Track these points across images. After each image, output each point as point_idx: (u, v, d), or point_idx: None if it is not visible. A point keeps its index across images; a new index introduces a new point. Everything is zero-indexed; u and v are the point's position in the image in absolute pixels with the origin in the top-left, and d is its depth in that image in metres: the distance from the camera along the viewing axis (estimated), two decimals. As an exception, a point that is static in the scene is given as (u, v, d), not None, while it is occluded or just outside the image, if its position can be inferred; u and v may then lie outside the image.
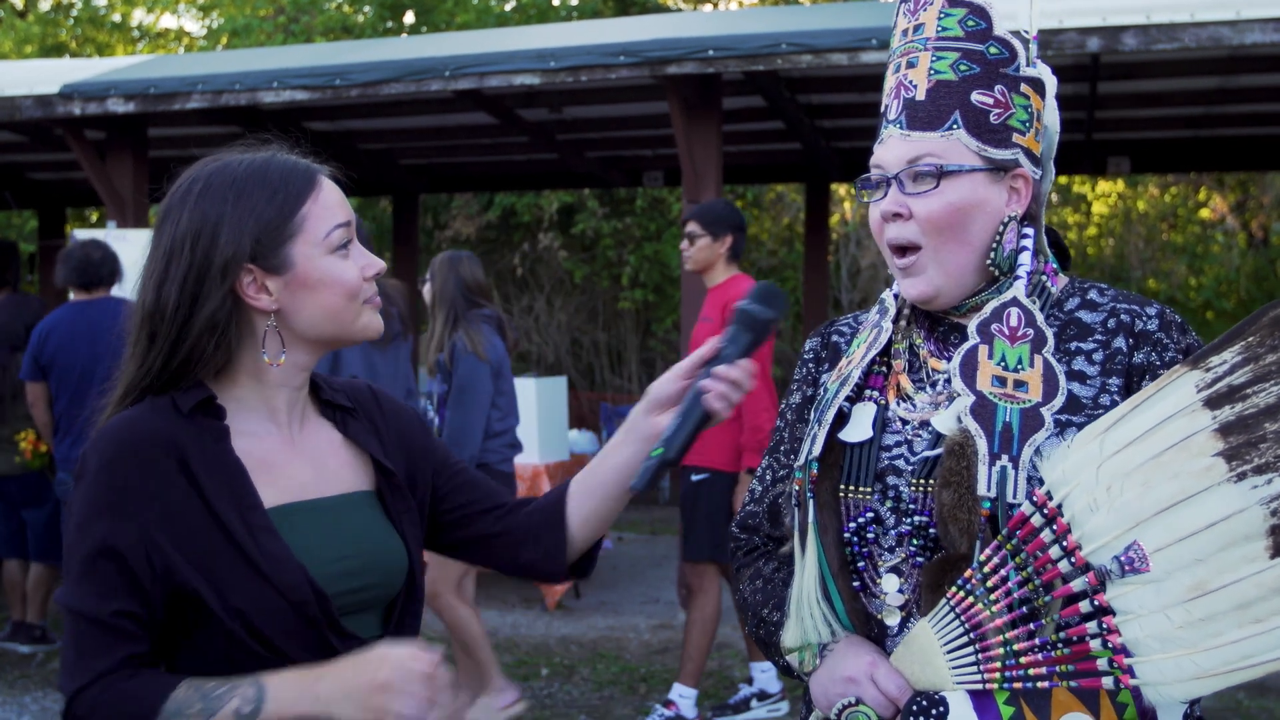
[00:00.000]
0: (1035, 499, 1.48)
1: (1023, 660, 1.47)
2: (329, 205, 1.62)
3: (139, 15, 18.12)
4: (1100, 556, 1.44)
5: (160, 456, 1.52)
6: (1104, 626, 1.44)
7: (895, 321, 1.75)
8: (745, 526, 1.88)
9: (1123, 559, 1.43)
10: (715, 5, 15.16)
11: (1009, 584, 1.48)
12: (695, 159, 6.59)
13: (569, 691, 5.49)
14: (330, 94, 6.80)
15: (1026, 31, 1.69)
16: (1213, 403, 1.43)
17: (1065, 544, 1.46)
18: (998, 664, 1.48)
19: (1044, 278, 1.68)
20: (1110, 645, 1.43)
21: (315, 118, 8.24)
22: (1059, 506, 1.47)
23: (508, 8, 14.26)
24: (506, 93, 7.28)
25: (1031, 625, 1.47)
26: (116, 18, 17.67)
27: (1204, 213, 14.11)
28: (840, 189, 13.32)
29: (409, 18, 14.40)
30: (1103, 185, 13.83)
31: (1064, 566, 1.45)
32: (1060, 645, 1.46)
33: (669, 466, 1.64)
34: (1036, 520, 1.47)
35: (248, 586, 1.51)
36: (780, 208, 14.27)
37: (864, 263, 13.26)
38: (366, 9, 14.02)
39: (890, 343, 1.74)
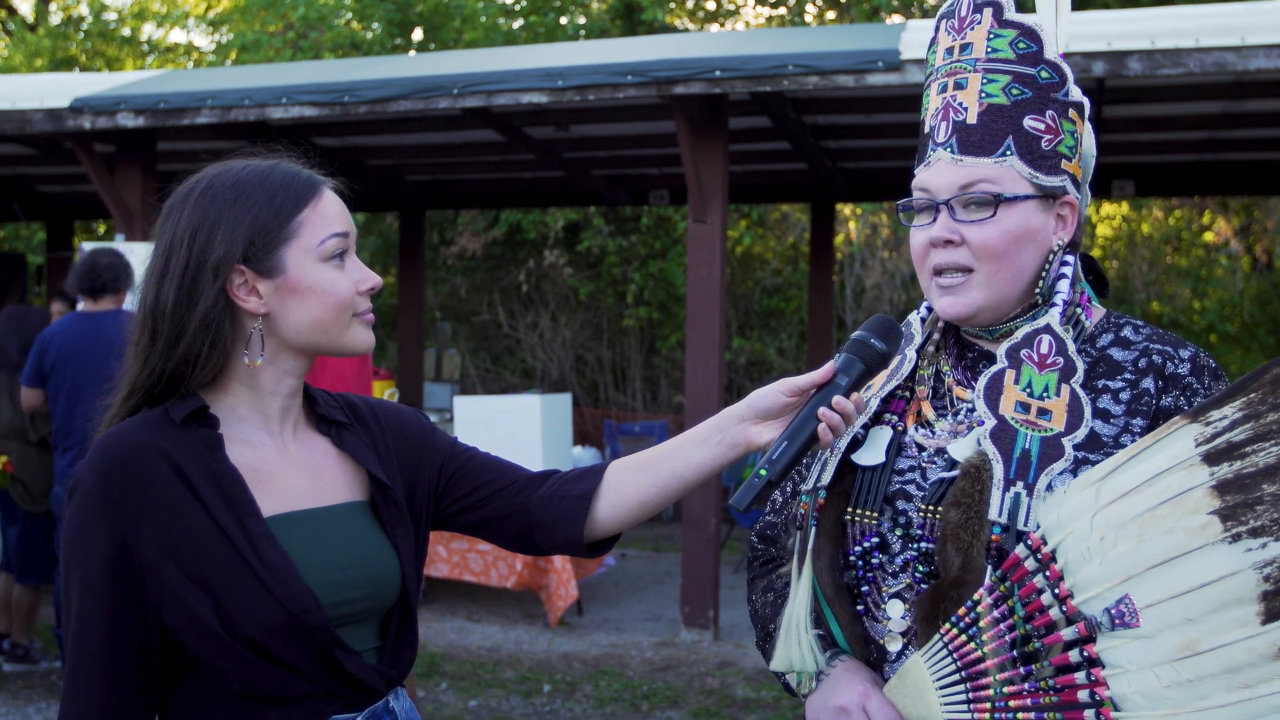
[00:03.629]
0: (1030, 542, 1.46)
1: (1012, 704, 1.45)
2: (327, 215, 1.62)
3: (149, 30, 18.22)
4: (1091, 607, 1.41)
5: (155, 466, 1.52)
6: (1092, 678, 1.41)
7: (923, 348, 1.73)
8: (763, 537, 1.86)
9: (1113, 612, 1.40)
10: (722, 26, 15.22)
11: (1001, 625, 1.46)
12: (701, 178, 6.63)
13: (571, 709, 5.49)
14: (339, 110, 6.84)
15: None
16: (1211, 459, 1.39)
17: (1058, 591, 1.43)
18: (987, 705, 1.46)
19: (1079, 310, 1.64)
20: (1098, 697, 1.41)
21: (324, 134, 8.29)
22: (1053, 552, 1.44)
23: (516, 26, 14.33)
24: (514, 110, 7.32)
25: (1023, 669, 1.44)
26: (126, 32, 17.76)
27: (1208, 236, 14.13)
28: (845, 209, 13.36)
29: (417, 35, 14.47)
30: (1107, 208, 13.86)
31: (1055, 614, 1.43)
32: (1050, 692, 1.43)
33: (773, 489, 1.59)
34: (1030, 564, 1.45)
35: (247, 595, 1.50)
36: (785, 227, 14.30)
37: (868, 283, 13.28)
38: (375, 26, 14.09)
39: (915, 369, 1.72)
